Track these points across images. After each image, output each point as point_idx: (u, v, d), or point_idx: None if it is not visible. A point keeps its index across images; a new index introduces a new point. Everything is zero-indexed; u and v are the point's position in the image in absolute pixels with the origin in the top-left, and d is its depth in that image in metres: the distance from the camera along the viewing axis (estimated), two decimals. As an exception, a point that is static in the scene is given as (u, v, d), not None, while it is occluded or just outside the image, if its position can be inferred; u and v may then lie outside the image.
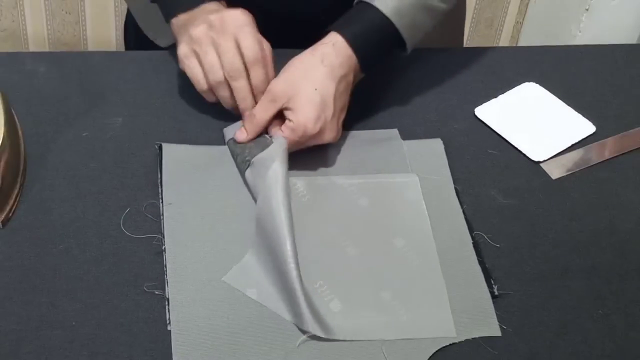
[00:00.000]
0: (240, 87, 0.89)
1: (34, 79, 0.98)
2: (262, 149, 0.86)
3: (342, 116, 0.90)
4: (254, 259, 0.80)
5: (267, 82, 0.89)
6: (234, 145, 0.90)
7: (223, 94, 0.90)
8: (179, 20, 0.92)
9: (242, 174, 0.87)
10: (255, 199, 0.84)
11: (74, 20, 1.89)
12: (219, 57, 0.88)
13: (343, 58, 0.89)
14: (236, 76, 0.88)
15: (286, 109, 0.88)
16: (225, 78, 0.88)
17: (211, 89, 0.90)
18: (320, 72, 0.88)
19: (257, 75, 0.89)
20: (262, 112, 0.88)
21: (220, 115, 0.95)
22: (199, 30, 0.88)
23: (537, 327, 0.79)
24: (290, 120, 0.87)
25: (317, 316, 0.75)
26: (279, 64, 0.91)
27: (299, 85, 0.87)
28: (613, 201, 0.93)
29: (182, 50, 0.90)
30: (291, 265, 0.76)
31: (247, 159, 0.87)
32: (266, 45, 0.90)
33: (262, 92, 0.89)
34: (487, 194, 0.91)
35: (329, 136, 0.88)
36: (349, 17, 0.91)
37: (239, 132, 0.90)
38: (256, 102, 0.89)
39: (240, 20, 0.89)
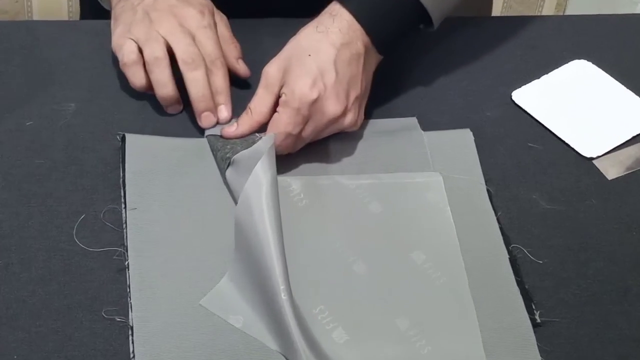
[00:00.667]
0: (197, 78, 0.90)
1: (-35, 54, 0.99)
2: (247, 147, 0.87)
3: (355, 92, 0.90)
4: (235, 279, 0.80)
5: (228, 87, 0.92)
6: (215, 139, 0.90)
7: (159, 76, 0.91)
8: None
9: (223, 173, 0.88)
10: (237, 204, 0.85)
11: (16, -17, 1.89)
12: (167, 42, 0.91)
13: (342, 24, 0.90)
14: (195, 64, 0.90)
15: (281, 89, 0.89)
16: (163, 57, 0.90)
17: (143, 65, 0.91)
18: (314, 38, 0.89)
19: (218, 75, 0.92)
20: (258, 103, 0.89)
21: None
22: (145, 26, 0.91)
23: (589, 362, 0.80)
24: (283, 94, 0.88)
25: (316, 350, 0.76)
26: (278, 35, 0.92)
27: (292, 60, 0.89)
28: (683, 207, 0.93)
29: (121, 42, 0.92)
30: (280, 287, 0.76)
31: (228, 155, 0.87)
32: (232, 49, 0.95)
33: (223, 97, 0.92)
34: (527, 198, 0.92)
35: (334, 108, 0.88)
36: None
37: (228, 125, 0.90)
38: (215, 106, 0.92)
39: (199, 21, 0.92)
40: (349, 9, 0.90)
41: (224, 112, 0.92)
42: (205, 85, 0.91)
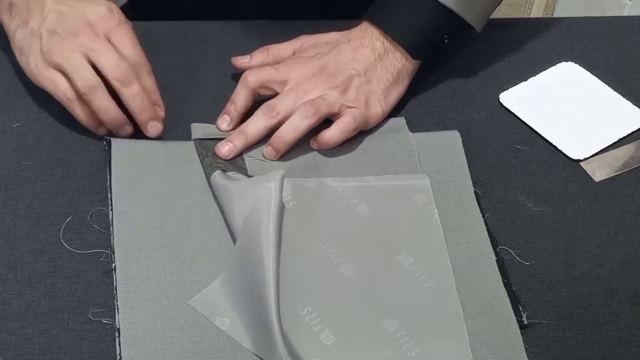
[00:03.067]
0: (135, 92, 0.87)
1: (-50, 55, 0.98)
2: (234, 164, 0.87)
3: (374, 87, 0.94)
4: (227, 282, 0.80)
5: (155, 83, 0.90)
6: (201, 145, 0.90)
7: (100, 102, 0.87)
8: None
9: (208, 177, 0.88)
10: (221, 208, 0.85)
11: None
12: (92, 60, 0.87)
13: (357, 30, 0.94)
14: (129, 79, 0.87)
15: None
16: (97, 83, 0.86)
17: (79, 99, 0.88)
18: (316, 36, 0.94)
19: (144, 77, 0.89)
20: (255, 126, 0.91)
21: (185, 99, 0.95)
22: (59, 49, 0.87)
23: (576, 364, 0.80)
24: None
25: (297, 355, 0.76)
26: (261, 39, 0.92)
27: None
28: (670, 209, 0.93)
29: (33, 59, 0.88)
30: (271, 298, 0.76)
31: (217, 163, 0.87)
32: None
33: (155, 96, 0.90)
34: (514, 200, 0.92)
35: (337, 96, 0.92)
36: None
37: (222, 144, 0.90)
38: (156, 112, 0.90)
39: (112, 20, 0.89)
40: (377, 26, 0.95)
41: (160, 112, 0.91)
42: (144, 96, 0.88)
